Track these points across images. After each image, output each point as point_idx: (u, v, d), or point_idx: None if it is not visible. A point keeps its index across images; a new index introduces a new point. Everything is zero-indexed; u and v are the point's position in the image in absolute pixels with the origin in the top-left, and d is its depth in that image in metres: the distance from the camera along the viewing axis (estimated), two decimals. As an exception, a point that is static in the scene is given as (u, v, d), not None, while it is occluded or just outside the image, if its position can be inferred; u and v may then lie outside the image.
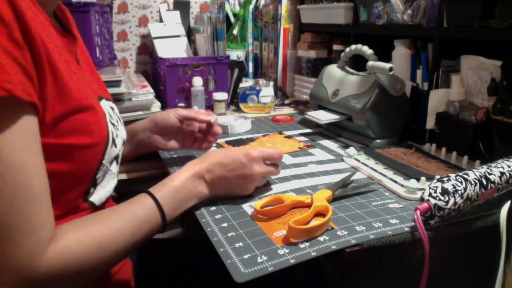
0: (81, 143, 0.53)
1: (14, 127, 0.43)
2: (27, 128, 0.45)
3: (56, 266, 0.45)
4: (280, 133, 1.15)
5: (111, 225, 0.52)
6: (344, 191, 0.73)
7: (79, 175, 0.54)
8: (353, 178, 0.81)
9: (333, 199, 0.70)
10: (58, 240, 0.46)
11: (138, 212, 0.56)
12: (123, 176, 1.23)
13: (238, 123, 1.17)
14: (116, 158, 0.64)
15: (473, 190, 0.61)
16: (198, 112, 0.87)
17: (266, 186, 0.77)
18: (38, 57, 0.46)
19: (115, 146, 0.61)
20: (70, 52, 0.59)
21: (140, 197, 0.59)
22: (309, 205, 0.66)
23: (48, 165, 0.49)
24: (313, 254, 0.55)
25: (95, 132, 0.55)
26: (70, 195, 0.55)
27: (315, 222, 0.61)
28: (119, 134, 0.64)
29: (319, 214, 0.65)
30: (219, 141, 1.06)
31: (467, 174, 0.63)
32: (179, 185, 0.63)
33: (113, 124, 0.62)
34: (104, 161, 0.58)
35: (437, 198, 0.59)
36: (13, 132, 0.43)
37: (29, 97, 0.44)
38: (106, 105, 0.62)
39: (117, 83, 1.18)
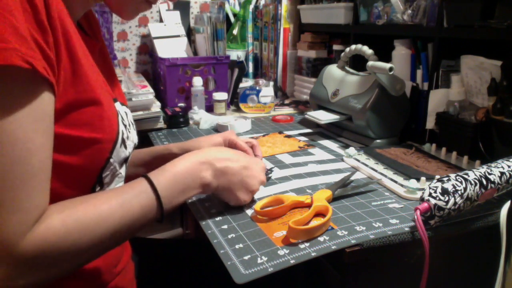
0: (89, 137, 0.52)
1: (28, 102, 0.43)
2: (41, 106, 0.44)
3: (37, 247, 0.43)
4: (280, 132, 1.15)
5: (99, 207, 0.49)
6: (344, 191, 0.73)
7: (84, 170, 0.54)
8: (353, 178, 0.81)
9: (333, 199, 0.70)
10: (43, 221, 0.44)
11: (131, 196, 0.52)
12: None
13: (238, 123, 1.17)
14: (125, 160, 0.63)
15: (473, 190, 0.61)
16: (239, 140, 0.82)
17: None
18: (58, 43, 0.46)
19: (125, 147, 0.61)
20: (91, 52, 0.59)
21: (136, 181, 0.55)
22: (309, 205, 0.66)
23: (57, 156, 0.49)
24: (313, 254, 0.55)
25: (105, 128, 0.55)
26: (75, 190, 0.54)
27: (315, 222, 0.61)
28: (130, 136, 0.63)
29: (319, 214, 0.65)
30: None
31: (467, 174, 0.63)
32: (181, 169, 0.59)
33: (124, 125, 0.61)
34: (111, 160, 0.57)
35: (437, 198, 0.59)
36: (26, 106, 0.42)
37: (48, 75, 0.44)
38: (120, 108, 0.62)
39: (117, 83, 1.18)
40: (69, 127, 0.50)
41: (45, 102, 0.45)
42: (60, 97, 0.48)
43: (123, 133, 0.60)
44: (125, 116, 0.64)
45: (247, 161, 0.67)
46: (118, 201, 0.51)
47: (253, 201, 0.70)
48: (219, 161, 0.63)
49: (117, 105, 0.62)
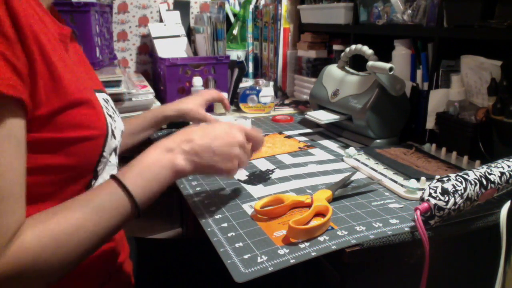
0: (81, 136, 0.53)
1: None
2: (5, 126, 0.43)
3: (12, 268, 0.42)
4: (280, 133, 1.15)
5: (72, 216, 0.47)
6: (344, 191, 0.73)
7: (80, 168, 0.54)
8: (353, 178, 0.81)
9: (333, 199, 0.70)
10: (16, 239, 0.43)
11: (103, 199, 0.50)
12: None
13: (238, 123, 1.17)
14: (115, 149, 0.64)
15: (473, 190, 0.61)
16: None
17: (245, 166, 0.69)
18: (30, 53, 0.45)
19: (114, 137, 0.61)
20: (64, 44, 0.58)
21: (106, 183, 0.53)
22: (309, 205, 0.66)
23: (49, 159, 0.49)
24: (313, 254, 0.55)
25: (94, 125, 0.55)
26: (72, 188, 0.55)
27: (315, 222, 0.61)
28: (117, 125, 0.64)
29: (319, 214, 0.65)
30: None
31: (467, 174, 0.63)
32: (148, 161, 0.56)
33: (110, 115, 0.61)
34: (104, 153, 0.58)
35: (437, 198, 0.59)
36: None
37: (14, 92, 0.43)
38: (100, 97, 0.62)
39: (117, 83, 1.18)
40: (59, 130, 0.50)
41: (12, 120, 0.44)
42: (44, 105, 0.48)
43: (111, 124, 0.60)
44: (107, 104, 0.64)
45: (216, 131, 0.62)
46: (91, 208, 0.49)
47: (253, 199, 0.70)
48: (186, 142, 0.59)
49: (97, 95, 0.61)
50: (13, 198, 0.43)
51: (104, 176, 0.61)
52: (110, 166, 0.63)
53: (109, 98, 0.68)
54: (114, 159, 0.65)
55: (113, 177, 0.53)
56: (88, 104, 0.55)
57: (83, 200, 0.50)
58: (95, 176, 0.58)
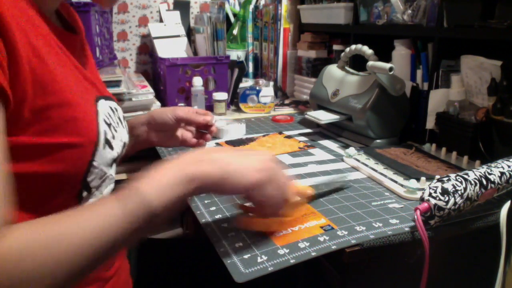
0: (65, 142, 0.50)
1: None
2: None
3: None
4: (280, 133, 1.15)
5: (67, 223, 0.42)
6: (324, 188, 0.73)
7: (66, 176, 0.51)
8: (353, 178, 0.81)
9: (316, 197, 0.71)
10: (4, 239, 0.38)
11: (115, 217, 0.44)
12: (123, 176, 1.23)
13: (232, 127, 1.12)
14: (114, 160, 0.61)
15: (473, 190, 0.61)
16: (195, 114, 0.83)
17: None
18: (12, 44, 0.43)
19: (111, 148, 0.58)
20: (68, 48, 0.57)
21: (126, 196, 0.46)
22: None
23: (33, 166, 0.47)
24: (313, 254, 0.55)
25: (81, 130, 0.52)
26: (59, 198, 0.52)
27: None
28: (117, 136, 0.61)
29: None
30: (219, 141, 1.06)
31: (467, 174, 0.63)
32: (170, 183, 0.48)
33: (109, 124, 0.59)
34: (95, 163, 0.54)
35: (437, 198, 0.59)
36: None
37: None
38: (105, 105, 0.60)
39: (117, 83, 1.18)
40: (42, 134, 0.47)
41: None
42: (25, 101, 0.45)
43: (106, 133, 0.56)
44: (112, 113, 0.62)
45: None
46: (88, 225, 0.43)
47: None
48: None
49: (101, 103, 0.59)
50: None
51: (102, 190, 0.58)
52: (110, 180, 0.60)
53: (119, 108, 0.66)
54: (113, 171, 0.61)
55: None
56: (77, 107, 0.52)
57: (80, 215, 0.44)
58: (86, 188, 0.54)
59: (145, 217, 0.45)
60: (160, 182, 0.48)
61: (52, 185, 0.50)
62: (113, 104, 0.64)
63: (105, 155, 0.56)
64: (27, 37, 0.46)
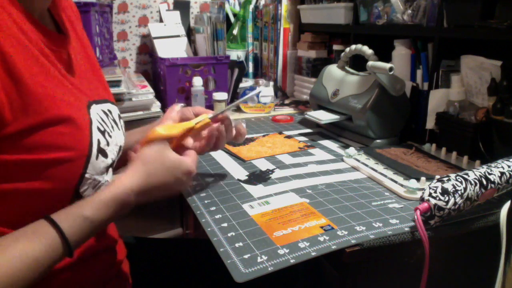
0: (55, 158, 0.49)
1: None
2: None
3: None
4: (280, 133, 1.15)
5: (5, 269, 0.43)
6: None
7: (58, 192, 0.50)
8: (352, 178, 0.81)
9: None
10: None
11: (41, 252, 0.45)
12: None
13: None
14: (109, 167, 0.59)
15: (473, 190, 0.61)
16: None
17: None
18: None
19: (105, 156, 0.57)
20: (52, 52, 0.54)
21: (42, 228, 0.47)
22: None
23: (23, 185, 0.46)
24: (313, 254, 0.55)
25: (72, 145, 0.51)
26: (51, 210, 0.49)
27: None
28: (111, 141, 0.59)
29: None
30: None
31: (467, 174, 0.63)
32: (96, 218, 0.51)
33: (102, 131, 0.57)
34: (87, 175, 0.53)
35: (437, 198, 0.59)
36: None
37: None
38: (96, 110, 0.58)
39: (117, 83, 1.18)
40: (29, 151, 0.47)
41: None
42: (9, 123, 0.45)
43: (99, 143, 0.55)
44: (106, 116, 0.60)
45: (167, 177, 0.59)
46: (28, 263, 0.44)
47: (253, 199, 0.70)
48: (141, 189, 0.56)
49: (93, 109, 0.57)
50: None
51: None
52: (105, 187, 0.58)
53: (112, 109, 0.64)
54: (109, 177, 0.60)
55: (52, 222, 0.47)
56: (67, 122, 0.50)
57: (15, 249, 0.44)
58: (79, 198, 0.53)
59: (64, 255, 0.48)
60: (84, 225, 0.50)
61: (46, 202, 0.50)
62: (106, 106, 0.62)
63: (98, 165, 0.55)
64: (5, 59, 0.44)
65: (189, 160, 0.62)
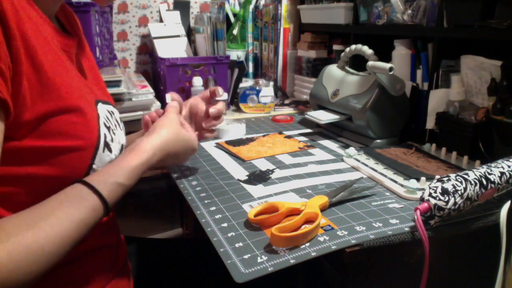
0: (66, 146, 0.51)
1: None
2: None
3: None
4: (280, 133, 1.15)
5: (51, 233, 0.46)
6: (343, 197, 0.70)
7: (65, 180, 0.52)
8: (353, 178, 0.80)
9: (332, 205, 0.68)
10: None
11: (83, 214, 0.50)
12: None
13: (232, 127, 1.12)
14: None
15: (473, 190, 0.61)
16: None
17: None
18: (15, 53, 0.44)
19: (109, 151, 0.59)
20: (66, 52, 0.58)
21: (79, 191, 0.52)
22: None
23: (32, 169, 0.47)
24: (313, 254, 0.55)
25: (82, 134, 0.53)
26: None
27: (303, 229, 0.59)
28: (115, 138, 0.62)
29: (310, 221, 0.62)
30: (219, 141, 1.06)
31: (467, 174, 0.63)
32: (125, 165, 0.57)
33: (108, 127, 0.60)
34: (94, 166, 0.55)
35: (437, 198, 0.59)
36: None
37: None
38: (102, 109, 0.61)
39: (117, 83, 1.18)
40: (43, 138, 0.48)
41: None
42: (28, 108, 0.46)
43: (105, 136, 0.58)
44: (110, 116, 0.63)
45: (182, 145, 0.70)
46: (73, 224, 0.48)
47: (253, 200, 0.70)
48: (161, 151, 0.65)
49: (100, 106, 0.60)
50: None
51: None
52: None
53: (115, 111, 0.67)
54: None
55: (88, 185, 0.52)
56: (79, 112, 0.53)
57: (62, 212, 0.48)
58: None
59: (103, 214, 0.53)
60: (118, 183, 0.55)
61: (52, 188, 0.51)
62: (110, 107, 0.65)
63: (104, 158, 0.57)
64: (28, 43, 0.47)
65: (196, 138, 0.74)
